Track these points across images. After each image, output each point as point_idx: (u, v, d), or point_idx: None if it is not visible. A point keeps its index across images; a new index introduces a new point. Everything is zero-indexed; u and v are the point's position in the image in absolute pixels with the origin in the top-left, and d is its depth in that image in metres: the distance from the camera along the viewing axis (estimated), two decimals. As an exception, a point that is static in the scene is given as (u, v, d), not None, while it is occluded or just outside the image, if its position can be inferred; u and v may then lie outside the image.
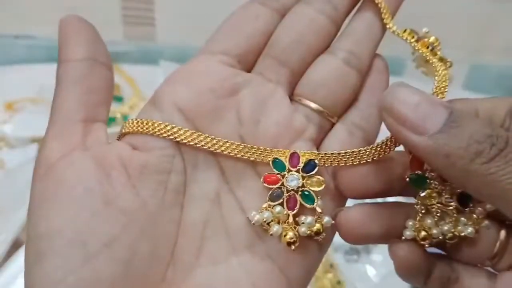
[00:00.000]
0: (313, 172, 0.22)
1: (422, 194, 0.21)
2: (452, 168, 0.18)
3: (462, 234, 0.21)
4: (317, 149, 0.23)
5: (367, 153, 0.22)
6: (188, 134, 0.21)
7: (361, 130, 0.23)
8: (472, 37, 0.72)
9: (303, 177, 0.22)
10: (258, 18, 0.24)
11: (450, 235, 0.21)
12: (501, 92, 0.74)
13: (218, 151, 0.22)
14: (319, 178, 0.22)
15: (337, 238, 0.23)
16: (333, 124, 0.24)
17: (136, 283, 0.20)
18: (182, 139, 0.21)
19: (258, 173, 0.22)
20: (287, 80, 0.23)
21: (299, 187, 0.21)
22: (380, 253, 0.50)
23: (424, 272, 0.22)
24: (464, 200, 0.21)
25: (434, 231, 0.21)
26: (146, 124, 0.21)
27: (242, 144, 0.22)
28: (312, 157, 0.22)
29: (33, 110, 0.61)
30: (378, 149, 0.22)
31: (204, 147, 0.21)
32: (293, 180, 0.21)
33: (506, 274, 0.22)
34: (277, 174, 0.22)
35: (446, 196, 0.21)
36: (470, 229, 0.21)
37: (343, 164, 0.22)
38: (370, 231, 0.22)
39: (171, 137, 0.21)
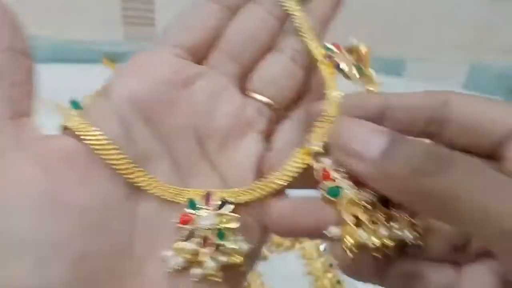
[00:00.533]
0: (225, 210, 0.22)
1: (345, 202, 0.20)
2: (400, 189, 0.18)
3: (406, 240, 0.20)
4: (267, 141, 0.24)
5: (279, 180, 0.23)
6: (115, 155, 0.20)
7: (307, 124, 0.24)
8: (472, 37, 0.72)
9: (217, 215, 0.22)
10: (210, 14, 0.25)
11: (390, 242, 0.20)
12: (501, 92, 0.74)
13: (138, 183, 0.21)
14: (232, 216, 0.22)
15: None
16: (281, 117, 0.25)
17: (92, 282, 0.19)
18: (106, 158, 0.20)
19: (213, 163, 0.23)
20: (238, 75, 0.25)
21: (213, 224, 0.21)
22: (380, 253, 0.50)
23: (373, 269, 0.21)
24: (386, 204, 0.21)
25: (367, 241, 0.20)
26: (87, 131, 0.21)
27: (162, 182, 0.21)
28: (224, 195, 0.22)
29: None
30: (288, 173, 0.23)
31: (122, 172, 0.21)
32: (206, 219, 0.21)
33: (470, 266, 0.21)
34: (192, 214, 0.21)
35: (372, 202, 0.20)
36: (411, 235, 0.20)
37: (258, 196, 0.23)
38: (301, 225, 0.22)
39: (101, 154, 0.20)
